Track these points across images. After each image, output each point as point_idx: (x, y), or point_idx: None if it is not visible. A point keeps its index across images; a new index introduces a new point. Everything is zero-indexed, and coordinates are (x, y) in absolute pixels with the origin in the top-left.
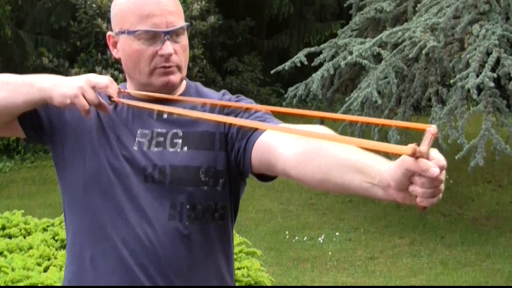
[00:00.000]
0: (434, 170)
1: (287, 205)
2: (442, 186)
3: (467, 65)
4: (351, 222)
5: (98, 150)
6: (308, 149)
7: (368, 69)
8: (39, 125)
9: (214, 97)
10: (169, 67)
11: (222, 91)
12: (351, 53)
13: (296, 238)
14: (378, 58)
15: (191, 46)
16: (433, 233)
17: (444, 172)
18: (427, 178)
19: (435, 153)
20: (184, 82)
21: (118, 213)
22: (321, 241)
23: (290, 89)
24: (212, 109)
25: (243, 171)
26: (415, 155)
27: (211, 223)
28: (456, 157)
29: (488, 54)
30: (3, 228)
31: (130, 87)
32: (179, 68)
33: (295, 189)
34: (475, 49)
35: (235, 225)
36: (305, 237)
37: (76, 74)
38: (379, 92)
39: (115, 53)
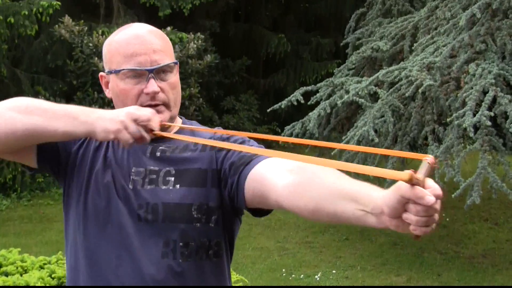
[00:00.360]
0: (430, 198)
1: (283, 243)
2: (437, 216)
3: (464, 103)
4: (348, 260)
5: (96, 188)
6: (301, 180)
7: (365, 107)
8: (56, 156)
9: (207, 135)
10: (156, 105)
11: (216, 128)
12: (347, 92)
13: (293, 276)
14: (374, 97)
15: (188, 85)
16: (429, 271)
17: (439, 201)
18: (422, 206)
19: (431, 182)
20: (179, 120)
21: (113, 251)
22: (318, 279)
23: (287, 127)
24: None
25: (238, 207)
26: (411, 182)
27: (205, 260)
28: (453, 195)
29: (485, 93)
30: (0, 266)
31: None
32: (166, 106)
33: (292, 227)
34: (472, 88)
35: (232, 263)
36: (302, 275)
37: None
38: (375, 131)
39: (107, 92)
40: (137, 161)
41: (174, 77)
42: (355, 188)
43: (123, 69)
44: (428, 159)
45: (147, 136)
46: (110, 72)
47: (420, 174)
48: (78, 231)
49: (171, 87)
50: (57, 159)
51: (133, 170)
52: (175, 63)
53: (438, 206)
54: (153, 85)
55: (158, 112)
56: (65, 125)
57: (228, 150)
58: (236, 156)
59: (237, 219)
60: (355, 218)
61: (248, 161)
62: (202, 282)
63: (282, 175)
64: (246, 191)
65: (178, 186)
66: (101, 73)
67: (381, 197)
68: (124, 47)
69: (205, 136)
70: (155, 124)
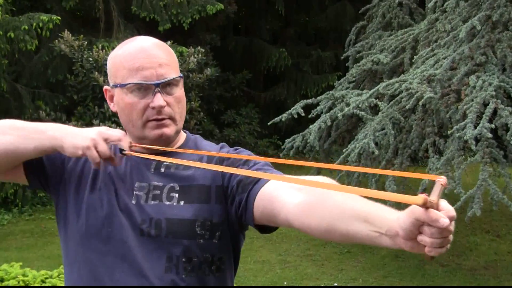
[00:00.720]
0: (444, 221)
1: (285, 256)
2: (451, 237)
3: (464, 116)
4: (350, 272)
5: (97, 203)
6: (312, 199)
7: (365, 120)
8: (43, 172)
9: (212, 149)
10: (162, 119)
11: (221, 144)
12: (348, 104)
13: None
14: (375, 110)
15: (188, 99)
16: (431, 283)
17: (453, 222)
18: (436, 228)
19: (444, 203)
20: (184, 135)
21: (115, 265)
22: None
23: (287, 140)
24: (210, 160)
25: (244, 224)
26: (425, 205)
27: (208, 275)
28: (454, 207)
29: (485, 105)
30: (2, 280)
31: None
32: (173, 120)
33: (293, 240)
34: (472, 100)
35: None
36: None
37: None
38: (376, 143)
39: (112, 106)
40: (141, 176)
41: (179, 91)
42: (368, 209)
43: (129, 84)
44: (441, 180)
45: (115, 157)
46: (115, 86)
47: (433, 196)
48: (80, 245)
49: (177, 101)
50: (44, 174)
51: (136, 185)
52: (181, 77)
53: (452, 227)
54: (159, 100)
55: (164, 126)
56: (34, 141)
57: (237, 165)
58: (244, 177)
59: (241, 234)
60: (369, 239)
61: (257, 180)
62: None
63: (291, 194)
64: (255, 209)
65: (182, 202)
66: (105, 87)
67: (396, 220)
68: (130, 61)
69: (209, 151)
70: (124, 144)
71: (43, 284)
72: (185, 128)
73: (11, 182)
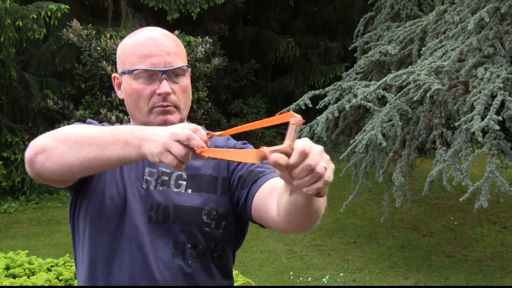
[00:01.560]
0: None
1: (291, 246)
2: (321, 169)
3: (472, 107)
4: (356, 263)
5: (111, 187)
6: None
7: (373, 111)
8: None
9: (219, 141)
10: (167, 106)
11: (227, 136)
12: (355, 96)
13: (301, 278)
14: (382, 101)
15: (196, 89)
16: (437, 274)
17: (314, 157)
18: (297, 170)
19: (299, 141)
20: None
21: (124, 250)
22: (326, 282)
23: None
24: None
25: (245, 217)
26: (266, 158)
27: (210, 263)
28: (461, 199)
29: (493, 97)
30: (7, 268)
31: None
32: (177, 108)
33: None
34: (480, 92)
35: (239, 266)
36: (310, 278)
37: (81, 116)
38: (383, 135)
39: (119, 93)
40: (150, 162)
41: (186, 81)
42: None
43: (137, 69)
44: (292, 119)
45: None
46: (123, 73)
47: (287, 141)
48: (92, 227)
49: (183, 90)
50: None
51: (146, 170)
52: (188, 67)
53: (311, 161)
54: (165, 86)
55: (169, 113)
56: (118, 152)
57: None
58: (246, 170)
59: (245, 226)
60: (291, 200)
61: (256, 179)
62: (210, 283)
63: (283, 196)
64: (253, 210)
65: (190, 190)
66: (114, 74)
67: None
68: (139, 48)
69: (216, 142)
70: (196, 143)
71: (49, 272)
72: (192, 118)
73: (49, 185)
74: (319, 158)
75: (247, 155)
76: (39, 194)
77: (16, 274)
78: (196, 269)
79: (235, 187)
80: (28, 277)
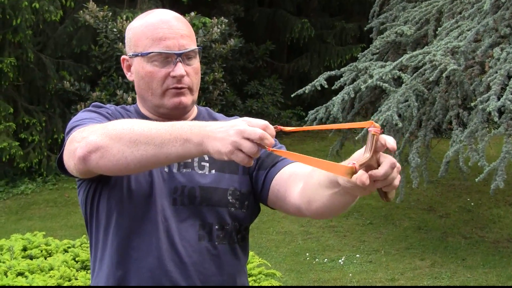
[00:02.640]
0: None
1: (307, 227)
2: (397, 181)
3: (488, 88)
4: (372, 244)
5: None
6: (304, 185)
7: (389, 92)
8: None
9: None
10: (181, 88)
11: (235, 117)
12: (371, 76)
13: (317, 260)
14: (398, 82)
15: (212, 70)
16: (454, 255)
17: (396, 168)
18: (379, 181)
19: (384, 157)
20: (195, 107)
21: (152, 234)
22: (342, 263)
23: (311, 112)
24: None
25: (259, 198)
26: (356, 173)
27: (235, 243)
28: (477, 179)
29: (509, 77)
30: (25, 249)
31: (142, 109)
32: (190, 90)
33: None
34: (496, 72)
35: (255, 247)
36: (326, 259)
37: (98, 97)
38: (399, 115)
39: (129, 76)
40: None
41: (197, 63)
42: (326, 173)
43: (152, 52)
44: (371, 129)
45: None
46: (135, 55)
47: (367, 152)
48: (124, 213)
49: (195, 71)
50: None
51: None
52: (200, 49)
53: (396, 173)
54: (180, 69)
55: (182, 95)
56: (178, 150)
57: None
58: (264, 151)
59: (259, 206)
60: (338, 199)
61: (275, 162)
62: (235, 265)
63: (299, 184)
64: (271, 193)
65: (213, 171)
66: (123, 56)
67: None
68: (152, 30)
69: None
70: (268, 141)
71: (65, 254)
72: (208, 99)
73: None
74: (397, 171)
75: (335, 167)
76: (56, 175)
77: (33, 255)
78: (222, 250)
79: (254, 167)
80: (45, 258)
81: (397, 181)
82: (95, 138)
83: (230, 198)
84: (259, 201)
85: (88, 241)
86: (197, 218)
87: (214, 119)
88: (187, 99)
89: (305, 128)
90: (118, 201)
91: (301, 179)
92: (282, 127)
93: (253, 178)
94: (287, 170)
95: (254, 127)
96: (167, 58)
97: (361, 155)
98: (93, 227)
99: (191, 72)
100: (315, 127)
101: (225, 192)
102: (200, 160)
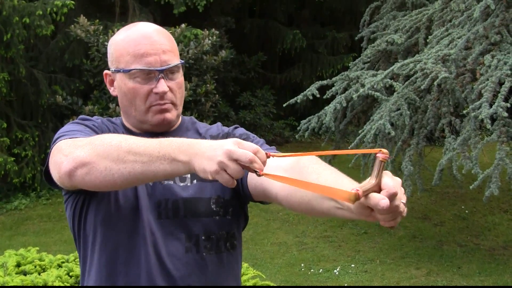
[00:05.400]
0: (384, 203)
1: (302, 237)
2: (402, 206)
3: (480, 95)
4: (367, 253)
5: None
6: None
7: (381, 101)
8: None
9: (213, 129)
10: (164, 104)
11: (217, 123)
12: (363, 85)
13: (312, 270)
14: (390, 90)
15: (203, 81)
16: (449, 263)
17: (399, 196)
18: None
19: (386, 180)
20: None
21: (140, 248)
22: (337, 273)
23: (303, 122)
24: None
25: (245, 198)
26: (358, 200)
27: (223, 252)
28: (471, 187)
29: (501, 84)
30: (18, 265)
31: (126, 123)
32: (174, 105)
33: (310, 221)
34: (487, 79)
35: (250, 258)
36: (321, 269)
37: (90, 111)
38: (392, 124)
39: (112, 90)
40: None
41: (180, 77)
42: (333, 186)
43: (133, 69)
44: (380, 156)
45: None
46: (117, 71)
47: (373, 177)
48: (112, 227)
49: (178, 86)
50: None
51: None
52: (182, 63)
53: (398, 201)
54: (163, 85)
55: (166, 111)
56: (165, 168)
57: None
58: None
59: (246, 208)
60: (340, 214)
61: None
62: (222, 273)
63: (278, 173)
64: (249, 187)
65: (195, 181)
66: (106, 71)
67: None
68: (134, 47)
69: (208, 130)
70: (258, 165)
71: (59, 269)
72: (200, 111)
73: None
74: (402, 196)
75: (337, 193)
76: (50, 190)
77: (27, 271)
78: (210, 260)
79: None
80: (39, 274)
81: (401, 208)
82: (82, 153)
83: (214, 207)
84: (246, 199)
85: None
86: (182, 230)
87: (196, 128)
88: (172, 114)
89: (299, 154)
90: (106, 215)
91: (282, 170)
92: (272, 154)
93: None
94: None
95: (245, 150)
96: (149, 75)
97: (366, 181)
98: (81, 241)
99: (174, 87)
100: (312, 153)
101: (208, 201)
102: None
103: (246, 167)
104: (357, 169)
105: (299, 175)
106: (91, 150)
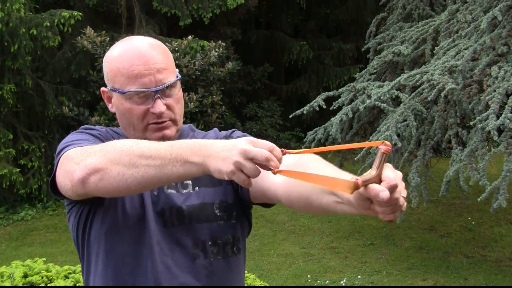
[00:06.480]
0: (384, 194)
1: (308, 248)
2: (402, 200)
3: (487, 106)
4: (373, 265)
5: (129, 196)
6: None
7: (387, 112)
8: None
9: (210, 135)
10: (162, 122)
11: (214, 129)
12: (369, 96)
13: (318, 281)
14: (396, 101)
15: (210, 93)
16: (456, 274)
17: (400, 188)
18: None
19: (387, 172)
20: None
21: (148, 257)
22: (343, 284)
23: (309, 133)
24: None
25: (245, 201)
26: (358, 189)
27: (230, 256)
28: (479, 199)
29: (508, 95)
30: (25, 276)
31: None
32: (173, 121)
33: (316, 232)
34: (495, 90)
35: (256, 269)
36: (327, 281)
37: (96, 122)
38: (398, 135)
39: (110, 107)
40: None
41: (178, 91)
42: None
43: (129, 91)
44: (382, 147)
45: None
46: (113, 90)
47: (374, 168)
48: (118, 237)
49: (176, 101)
50: None
51: None
52: (178, 79)
53: (398, 194)
54: (159, 106)
55: (165, 128)
56: (178, 170)
57: None
58: None
59: (249, 212)
60: (339, 209)
61: None
62: (230, 278)
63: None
64: (250, 190)
65: (197, 188)
66: (103, 88)
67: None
68: (127, 68)
69: (205, 137)
70: (274, 163)
71: (66, 280)
72: (207, 121)
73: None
74: (402, 189)
75: (337, 183)
76: (56, 201)
77: (34, 282)
78: (218, 265)
79: None
80: (46, 285)
81: (401, 202)
82: (94, 160)
83: (218, 212)
84: (246, 202)
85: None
86: (189, 238)
87: (195, 137)
88: (171, 131)
89: (312, 150)
90: (112, 225)
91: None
92: (288, 151)
93: (234, 184)
94: None
95: (260, 148)
96: (145, 95)
97: (367, 172)
98: (85, 252)
99: (172, 104)
100: (323, 148)
101: (211, 206)
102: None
103: (263, 166)
104: None
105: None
106: (103, 156)
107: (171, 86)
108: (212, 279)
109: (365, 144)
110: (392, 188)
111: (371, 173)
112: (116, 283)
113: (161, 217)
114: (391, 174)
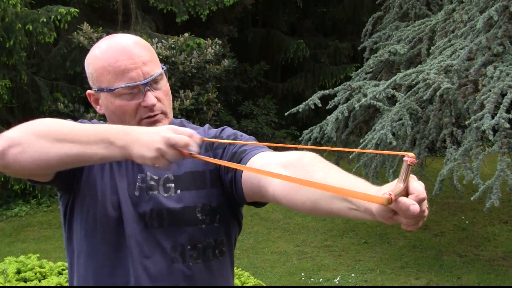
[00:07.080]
0: (414, 208)
1: (302, 246)
2: (426, 212)
3: (482, 106)
4: (367, 263)
5: (106, 197)
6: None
7: (383, 111)
8: (74, 173)
9: (199, 130)
10: (155, 115)
11: (206, 125)
12: (365, 95)
13: (312, 279)
14: (392, 100)
15: (206, 90)
16: (449, 273)
17: (425, 201)
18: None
19: (415, 184)
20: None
21: (127, 260)
22: (337, 282)
23: (305, 132)
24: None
25: (237, 201)
26: (390, 204)
27: (212, 259)
28: (472, 198)
29: (503, 95)
30: (19, 272)
31: None
32: (164, 114)
33: (311, 230)
34: (490, 90)
35: (250, 267)
36: (321, 279)
37: (91, 118)
38: (393, 134)
39: (98, 109)
40: (140, 167)
41: (165, 84)
42: (347, 187)
43: (118, 88)
44: (408, 160)
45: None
46: (101, 90)
47: (400, 182)
48: (97, 238)
49: (165, 94)
50: (73, 172)
51: (138, 177)
52: (164, 70)
53: (424, 207)
54: (150, 98)
55: (158, 121)
56: (102, 151)
57: (225, 147)
58: (229, 153)
59: (239, 215)
60: (352, 215)
61: (239, 159)
62: (211, 281)
63: (278, 171)
64: (244, 186)
65: (179, 191)
66: (88, 91)
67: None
68: (113, 64)
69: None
70: (194, 148)
71: (60, 276)
72: (202, 119)
73: (25, 178)
74: (426, 201)
75: (370, 198)
76: (50, 197)
77: (27, 278)
78: (197, 270)
79: (222, 173)
80: (39, 281)
81: (426, 213)
82: (16, 134)
83: (200, 215)
84: (239, 202)
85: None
86: (168, 241)
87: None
88: (163, 123)
89: (231, 141)
90: (90, 226)
91: (280, 165)
92: (204, 139)
93: (226, 184)
94: (256, 161)
95: (181, 135)
96: (134, 90)
97: (393, 185)
98: (70, 247)
99: (161, 96)
100: (335, 148)
101: (193, 210)
102: (165, 182)
103: (181, 152)
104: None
105: (304, 173)
106: (28, 130)
107: (158, 80)
108: (190, 283)
109: (389, 152)
110: (421, 201)
111: (399, 185)
112: (96, 283)
113: (143, 219)
114: (419, 186)
